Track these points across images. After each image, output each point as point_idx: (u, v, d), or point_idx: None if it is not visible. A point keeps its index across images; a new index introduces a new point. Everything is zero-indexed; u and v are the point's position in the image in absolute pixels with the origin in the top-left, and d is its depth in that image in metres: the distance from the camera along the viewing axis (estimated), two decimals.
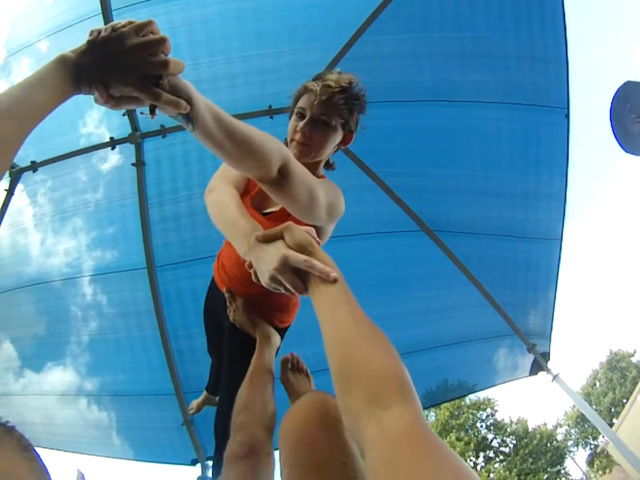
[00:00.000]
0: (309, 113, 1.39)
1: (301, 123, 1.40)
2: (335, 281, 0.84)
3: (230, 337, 1.63)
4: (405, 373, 0.64)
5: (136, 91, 0.80)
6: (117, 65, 0.78)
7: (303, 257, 0.90)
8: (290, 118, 1.48)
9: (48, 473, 0.45)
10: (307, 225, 1.41)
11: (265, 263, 0.95)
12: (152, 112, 0.84)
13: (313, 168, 1.44)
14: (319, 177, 1.45)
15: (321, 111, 1.38)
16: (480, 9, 2.66)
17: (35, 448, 0.45)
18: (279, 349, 1.61)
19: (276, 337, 1.58)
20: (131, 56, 0.77)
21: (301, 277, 0.91)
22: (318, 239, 1.00)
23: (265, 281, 0.96)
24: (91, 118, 2.86)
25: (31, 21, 2.65)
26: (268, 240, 1.00)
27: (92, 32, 0.80)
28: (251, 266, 1.02)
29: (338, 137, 1.46)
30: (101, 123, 2.87)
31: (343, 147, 1.55)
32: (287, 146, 1.43)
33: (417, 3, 2.59)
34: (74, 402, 3.48)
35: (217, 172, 1.45)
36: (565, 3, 2.61)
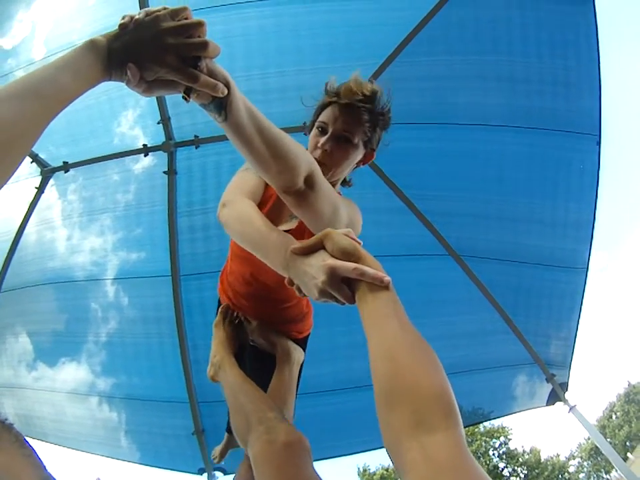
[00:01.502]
0: (331, 129, 1.30)
1: (322, 139, 1.31)
2: (388, 284, 0.79)
3: (251, 355, 1.61)
4: (450, 394, 0.61)
5: (172, 73, 0.75)
6: (152, 46, 0.74)
7: (352, 264, 0.82)
8: (309, 132, 1.39)
9: (45, 469, 0.46)
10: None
11: (311, 277, 0.87)
12: (187, 96, 0.79)
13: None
14: None
15: (344, 127, 1.29)
16: (516, 32, 2.66)
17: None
18: (303, 363, 1.59)
19: (297, 353, 1.54)
20: (167, 38, 0.74)
21: (349, 286, 0.84)
22: (357, 239, 0.92)
23: (314, 296, 0.88)
24: (126, 123, 2.92)
25: (72, 23, 2.70)
26: (307, 252, 0.91)
27: (124, 16, 0.76)
28: (291, 282, 0.94)
29: (359, 154, 1.38)
30: (135, 129, 2.92)
31: (362, 166, 1.47)
32: None
33: (454, 25, 2.60)
34: (85, 401, 3.50)
35: (229, 186, 1.32)
36: (598, 28, 2.61)
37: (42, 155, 3.03)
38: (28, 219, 3.17)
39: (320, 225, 1.16)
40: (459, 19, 2.59)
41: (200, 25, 0.77)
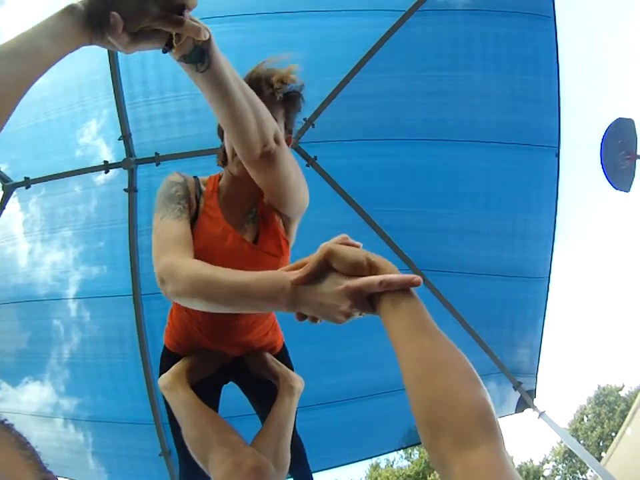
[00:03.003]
0: None
1: None
2: (419, 283, 0.73)
3: (248, 384, 1.57)
4: (489, 409, 0.60)
5: (157, 21, 0.75)
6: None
7: (377, 279, 0.73)
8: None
9: (46, 470, 0.45)
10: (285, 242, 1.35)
11: (332, 306, 0.77)
12: (170, 45, 0.80)
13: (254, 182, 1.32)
14: None
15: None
16: (475, 48, 2.73)
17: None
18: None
19: (299, 383, 1.50)
20: None
21: (368, 298, 0.76)
22: (356, 243, 0.84)
23: (340, 322, 0.79)
24: (88, 139, 2.87)
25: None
26: (313, 279, 0.79)
27: None
28: (302, 317, 0.83)
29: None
30: (97, 145, 2.88)
31: None
32: (230, 161, 1.31)
33: (414, 42, 2.66)
34: (50, 423, 3.39)
35: (153, 251, 1.12)
36: (558, 42, 2.69)
37: (3, 170, 2.95)
38: None
39: (286, 186, 1.16)
40: (419, 36, 2.64)
41: None
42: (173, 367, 1.40)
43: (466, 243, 3.03)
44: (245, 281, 0.87)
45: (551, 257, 3.09)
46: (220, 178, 1.40)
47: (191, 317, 1.43)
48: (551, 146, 2.91)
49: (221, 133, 1.37)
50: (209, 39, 0.82)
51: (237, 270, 0.92)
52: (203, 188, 1.37)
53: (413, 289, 0.74)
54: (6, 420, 0.44)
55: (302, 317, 0.83)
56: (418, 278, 0.72)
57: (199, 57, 0.83)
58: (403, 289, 0.73)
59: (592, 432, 23.58)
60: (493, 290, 3.15)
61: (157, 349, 3.02)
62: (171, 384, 1.35)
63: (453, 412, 0.60)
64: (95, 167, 2.87)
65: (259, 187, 1.25)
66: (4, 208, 3.02)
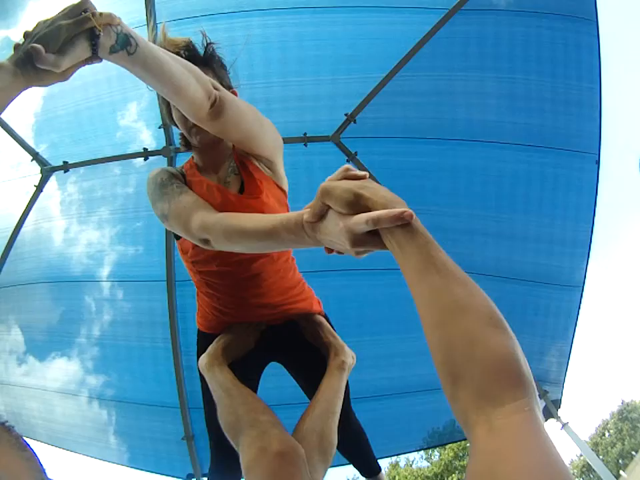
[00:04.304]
0: None
1: None
2: (410, 218, 0.67)
3: (293, 358, 1.56)
4: (516, 359, 0.53)
5: (70, 29, 0.78)
6: (50, 33, 0.77)
7: (362, 218, 0.71)
8: (171, 112, 1.35)
9: (45, 472, 0.46)
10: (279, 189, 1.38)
11: (338, 244, 0.80)
12: (95, 43, 0.80)
13: (221, 141, 1.36)
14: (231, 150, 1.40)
15: None
16: (517, 49, 2.68)
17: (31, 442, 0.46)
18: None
19: (350, 359, 1.45)
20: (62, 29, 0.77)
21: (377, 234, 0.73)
22: (362, 173, 0.81)
23: (357, 257, 0.80)
24: (128, 125, 2.92)
25: None
26: (318, 218, 0.82)
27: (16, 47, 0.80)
28: (329, 250, 0.86)
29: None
30: (136, 132, 2.93)
31: None
32: (189, 139, 1.36)
33: (456, 41, 2.62)
34: (75, 401, 3.48)
35: (182, 225, 1.18)
36: (600, 46, 2.63)
37: (42, 154, 3.03)
38: (26, 217, 3.17)
39: (250, 124, 1.21)
40: (462, 35, 2.61)
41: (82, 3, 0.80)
42: (210, 347, 1.41)
43: (502, 247, 2.98)
44: (269, 227, 0.95)
45: (586, 266, 3.02)
46: (193, 158, 1.46)
47: (210, 296, 1.46)
48: (591, 152, 2.84)
49: (170, 118, 1.39)
50: (121, 22, 0.84)
51: (259, 215, 1.04)
52: (183, 170, 1.42)
53: (418, 223, 0.68)
54: (7, 422, 0.45)
55: (329, 250, 0.86)
56: (408, 212, 0.67)
57: (124, 40, 0.84)
58: (403, 225, 0.67)
59: (612, 448, 23.00)
60: (526, 295, 3.08)
61: (188, 334, 3.09)
62: (208, 365, 1.35)
63: (471, 363, 0.54)
64: (134, 153, 2.92)
65: (228, 142, 1.34)
66: (41, 191, 3.11)
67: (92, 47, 0.81)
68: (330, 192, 0.77)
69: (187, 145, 1.44)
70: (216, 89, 1.10)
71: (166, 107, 1.39)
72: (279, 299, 1.48)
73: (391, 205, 0.70)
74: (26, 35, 0.80)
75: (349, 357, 1.43)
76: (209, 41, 1.34)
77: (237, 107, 1.17)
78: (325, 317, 1.60)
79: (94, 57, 0.83)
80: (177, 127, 1.39)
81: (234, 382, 1.27)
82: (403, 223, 0.67)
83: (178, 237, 1.41)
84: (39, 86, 0.81)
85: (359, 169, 2.82)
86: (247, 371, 1.42)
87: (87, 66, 0.85)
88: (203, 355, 1.40)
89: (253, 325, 1.47)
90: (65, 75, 0.82)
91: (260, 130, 1.31)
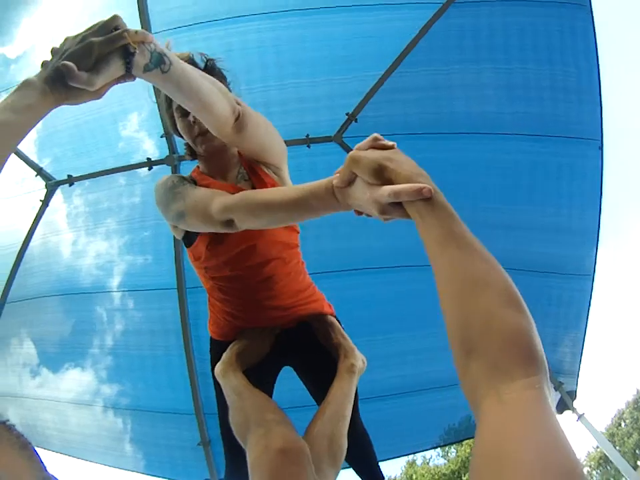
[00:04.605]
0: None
1: (191, 117, 1.30)
2: (430, 194, 0.68)
3: (304, 362, 1.56)
4: (530, 336, 0.53)
5: (103, 47, 0.77)
6: (81, 50, 0.76)
7: (386, 190, 0.72)
8: (176, 123, 1.38)
9: (46, 470, 0.46)
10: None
11: (366, 210, 0.82)
12: (130, 62, 0.80)
13: (227, 149, 1.39)
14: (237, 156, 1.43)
15: None
16: (513, 39, 2.68)
17: (37, 448, 0.46)
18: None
19: (360, 363, 1.43)
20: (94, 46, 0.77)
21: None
22: (390, 143, 0.82)
23: (384, 221, 0.82)
24: (130, 136, 2.94)
25: (77, 30, 2.73)
26: (347, 184, 0.84)
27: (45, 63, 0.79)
28: (359, 212, 0.87)
29: None
30: (139, 142, 2.94)
31: None
32: (194, 148, 1.40)
33: (451, 35, 2.62)
34: (90, 411, 3.49)
35: (201, 216, 1.18)
36: (596, 32, 2.62)
37: (46, 169, 3.05)
38: (33, 232, 3.19)
39: (265, 135, 1.27)
40: (457, 28, 2.61)
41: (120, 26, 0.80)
42: (224, 355, 1.41)
43: (509, 238, 2.95)
44: (296, 196, 0.97)
45: (596, 254, 2.99)
46: (199, 167, 1.48)
47: (222, 301, 1.47)
48: (594, 139, 2.83)
49: (174, 128, 1.41)
50: (154, 40, 0.84)
51: (281, 188, 1.10)
52: (192, 176, 1.44)
53: (440, 197, 0.69)
54: (8, 420, 0.45)
55: (358, 212, 0.87)
56: (427, 188, 0.68)
57: (159, 59, 0.85)
58: (424, 199, 0.68)
59: (629, 438, 22.76)
60: (537, 286, 3.05)
61: (201, 341, 3.09)
62: (223, 372, 1.35)
63: (486, 337, 0.54)
64: (137, 164, 2.93)
65: (233, 149, 1.38)
66: (47, 205, 3.13)
67: (126, 65, 0.80)
68: (357, 161, 0.79)
69: (193, 154, 1.46)
70: (238, 104, 1.14)
71: (170, 117, 1.41)
72: (290, 301, 1.49)
73: (413, 179, 0.71)
74: (54, 51, 0.79)
75: (359, 360, 1.42)
76: (208, 58, 1.36)
77: (255, 120, 1.22)
78: (337, 319, 1.61)
79: (127, 76, 0.82)
80: (181, 137, 1.41)
81: (247, 386, 1.28)
82: (422, 198, 0.68)
83: (189, 244, 1.42)
84: (69, 104, 0.80)
85: None
86: (262, 376, 1.43)
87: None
88: (218, 363, 1.41)
89: (267, 329, 1.48)
90: (98, 94, 0.81)
91: (272, 141, 1.37)
